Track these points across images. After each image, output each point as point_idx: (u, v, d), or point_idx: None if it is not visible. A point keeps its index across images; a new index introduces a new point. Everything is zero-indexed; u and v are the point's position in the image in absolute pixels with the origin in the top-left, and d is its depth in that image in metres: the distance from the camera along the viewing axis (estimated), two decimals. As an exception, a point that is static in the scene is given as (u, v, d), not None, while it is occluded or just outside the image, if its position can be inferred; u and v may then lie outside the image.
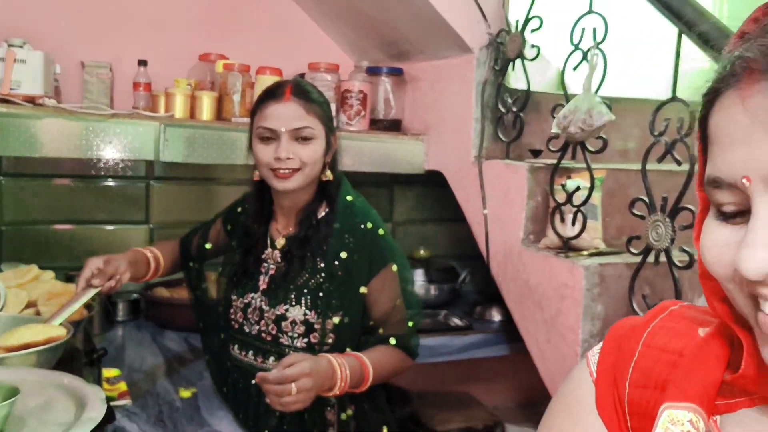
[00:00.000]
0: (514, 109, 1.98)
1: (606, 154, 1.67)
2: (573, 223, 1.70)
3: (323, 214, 1.56)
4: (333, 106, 2.22)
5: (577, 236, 1.69)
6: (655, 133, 1.47)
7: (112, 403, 1.50)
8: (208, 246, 1.75)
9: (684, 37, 1.45)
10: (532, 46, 1.90)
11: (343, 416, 1.53)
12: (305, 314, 1.51)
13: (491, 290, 2.09)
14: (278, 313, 1.53)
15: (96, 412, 1.04)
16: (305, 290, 1.52)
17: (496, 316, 2.38)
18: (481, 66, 2.04)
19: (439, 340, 2.18)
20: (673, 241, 1.43)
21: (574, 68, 1.71)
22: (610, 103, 1.64)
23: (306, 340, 1.52)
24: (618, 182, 1.86)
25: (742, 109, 0.46)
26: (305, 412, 1.43)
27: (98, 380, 1.52)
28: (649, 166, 1.50)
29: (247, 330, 1.58)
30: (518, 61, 1.94)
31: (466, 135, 2.07)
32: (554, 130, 1.70)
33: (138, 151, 2.01)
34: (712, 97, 0.50)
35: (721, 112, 0.49)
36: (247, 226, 1.64)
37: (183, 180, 2.47)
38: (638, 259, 1.51)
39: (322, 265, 1.52)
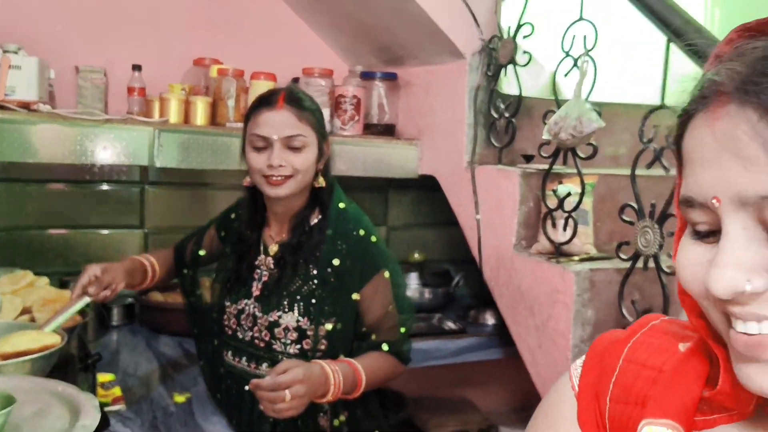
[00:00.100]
0: (507, 115, 1.99)
1: (597, 158, 1.68)
2: (564, 229, 1.70)
3: (316, 220, 1.57)
4: (327, 111, 2.23)
5: (569, 241, 1.70)
6: (644, 140, 1.48)
7: (107, 408, 1.51)
8: (201, 252, 1.76)
9: (672, 45, 1.47)
10: (524, 52, 1.91)
11: (336, 422, 1.55)
12: (298, 321, 1.52)
13: (485, 294, 2.09)
14: (271, 319, 1.54)
15: (90, 420, 1.05)
16: (298, 297, 1.53)
17: (490, 320, 2.39)
18: (474, 71, 2.05)
19: (433, 343, 2.19)
20: (661, 246, 1.44)
21: (565, 75, 1.72)
22: (601, 108, 1.65)
23: (299, 346, 1.53)
24: (609, 187, 1.87)
25: (711, 131, 0.47)
26: (298, 418, 1.44)
27: (93, 385, 1.52)
28: (638, 172, 1.51)
29: (240, 336, 1.59)
30: (510, 67, 1.95)
31: (459, 140, 2.09)
32: (545, 136, 1.71)
33: (132, 156, 2.02)
34: (685, 118, 0.51)
35: (693, 133, 0.50)
36: (240, 233, 1.65)
37: (177, 185, 2.47)
38: (628, 264, 1.53)
39: (315, 271, 1.53)
